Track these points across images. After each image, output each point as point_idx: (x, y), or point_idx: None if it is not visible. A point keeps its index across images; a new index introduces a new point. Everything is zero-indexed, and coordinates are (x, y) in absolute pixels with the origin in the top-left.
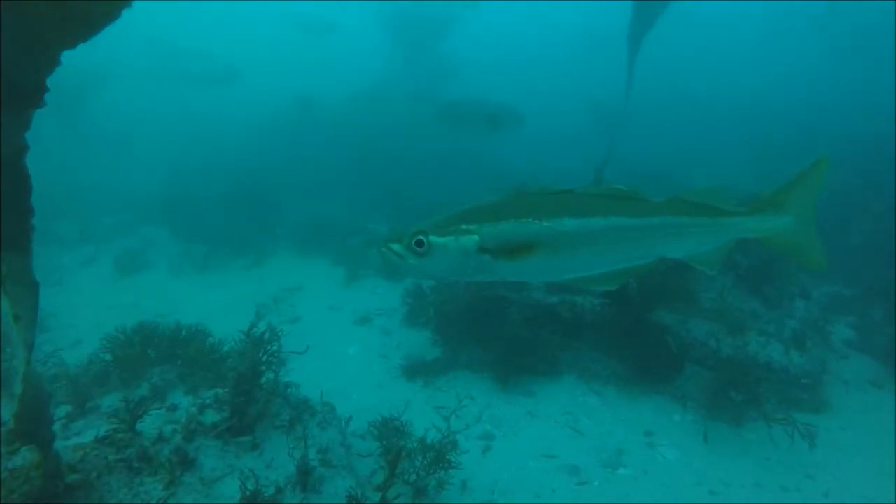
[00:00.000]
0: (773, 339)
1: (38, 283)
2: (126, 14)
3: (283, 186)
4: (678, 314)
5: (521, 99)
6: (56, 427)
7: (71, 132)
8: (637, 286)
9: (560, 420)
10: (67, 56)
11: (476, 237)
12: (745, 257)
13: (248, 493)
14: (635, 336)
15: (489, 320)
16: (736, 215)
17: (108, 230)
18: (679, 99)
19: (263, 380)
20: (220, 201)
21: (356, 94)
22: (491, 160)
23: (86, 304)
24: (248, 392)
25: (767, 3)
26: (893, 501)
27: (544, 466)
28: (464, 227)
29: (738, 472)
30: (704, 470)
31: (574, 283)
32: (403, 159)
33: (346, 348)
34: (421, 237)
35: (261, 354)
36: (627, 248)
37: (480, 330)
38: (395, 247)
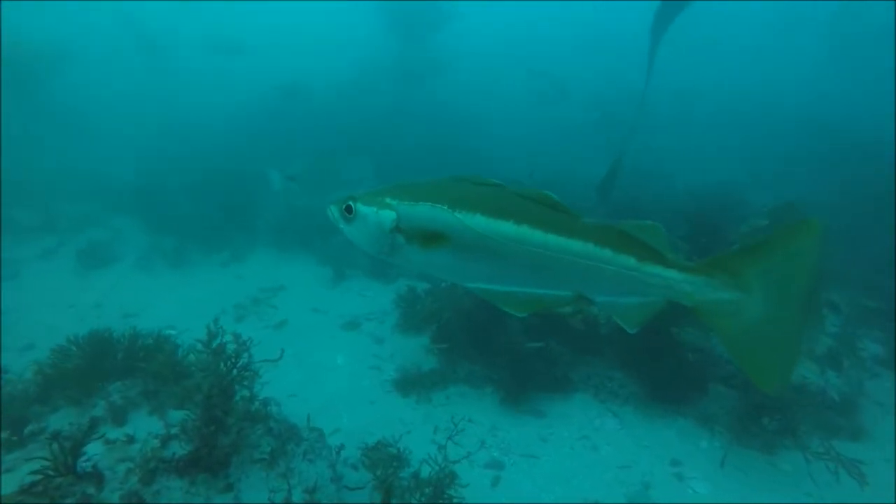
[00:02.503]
0: (806, 357)
1: None
2: None
3: (263, 177)
4: (700, 328)
5: (520, 94)
6: None
7: (33, 111)
8: None
9: (576, 446)
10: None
11: (393, 214)
12: None
13: None
14: (653, 352)
15: (492, 330)
16: (671, 268)
17: (73, 220)
18: (682, 98)
19: (238, 398)
20: (195, 191)
21: (344, 82)
22: (486, 157)
23: (43, 301)
24: (219, 418)
25: (774, 4)
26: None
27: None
28: (387, 200)
29: None
30: None
31: (484, 294)
32: (392, 152)
33: (334, 357)
34: (350, 203)
35: (228, 368)
36: (536, 268)
37: (482, 340)
38: (333, 209)
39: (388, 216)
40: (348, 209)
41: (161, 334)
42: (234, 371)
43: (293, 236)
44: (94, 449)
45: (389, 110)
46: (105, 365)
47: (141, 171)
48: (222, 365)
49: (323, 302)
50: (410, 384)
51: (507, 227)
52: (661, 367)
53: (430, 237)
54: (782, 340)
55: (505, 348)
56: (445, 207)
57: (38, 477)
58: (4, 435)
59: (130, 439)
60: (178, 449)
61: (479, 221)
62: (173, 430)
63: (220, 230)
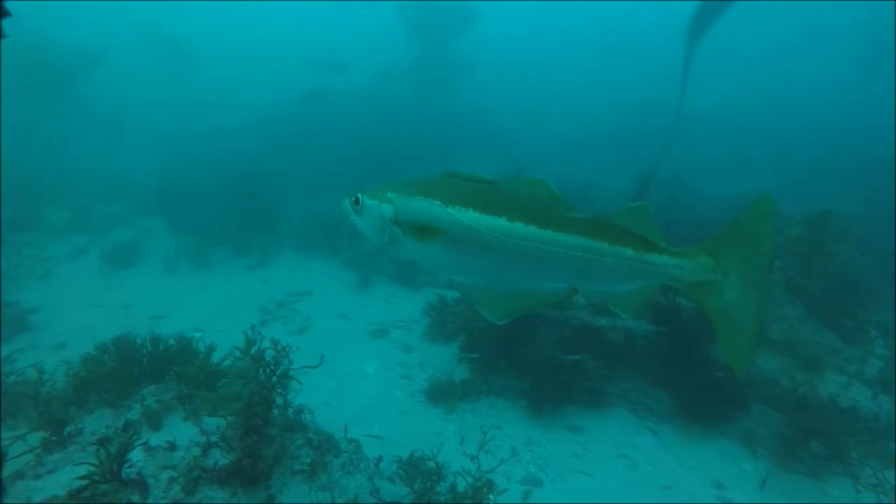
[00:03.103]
0: (856, 380)
1: None
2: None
3: (289, 180)
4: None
5: (540, 100)
6: (28, 458)
7: (65, 114)
8: (689, 309)
9: (616, 465)
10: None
11: (392, 207)
12: (812, 282)
13: None
14: (691, 368)
15: (525, 341)
16: (664, 254)
17: (102, 220)
18: (708, 106)
19: (275, 410)
20: (220, 194)
21: (367, 86)
22: (504, 160)
23: (74, 301)
24: (259, 427)
25: (802, 7)
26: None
27: None
28: (388, 194)
29: None
30: None
31: (468, 292)
32: (416, 158)
33: (364, 365)
34: (358, 196)
35: (267, 376)
36: (530, 262)
37: (515, 352)
38: (346, 202)
39: (387, 209)
40: (356, 201)
41: (184, 337)
42: (274, 378)
43: (318, 241)
44: (135, 455)
45: (411, 116)
46: (136, 369)
47: (167, 173)
48: (262, 372)
49: (350, 308)
50: (442, 395)
51: (499, 223)
52: (699, 384)
53: (425, 230)
54: (749, 319)
55: (538, 360)
56: (439, 202)
57: (85, 482)
58: (44, 435)
59: (172, 446)
60: (219, 458)
61: (471, 216)
62: (213, 438)
63: (246, 233)
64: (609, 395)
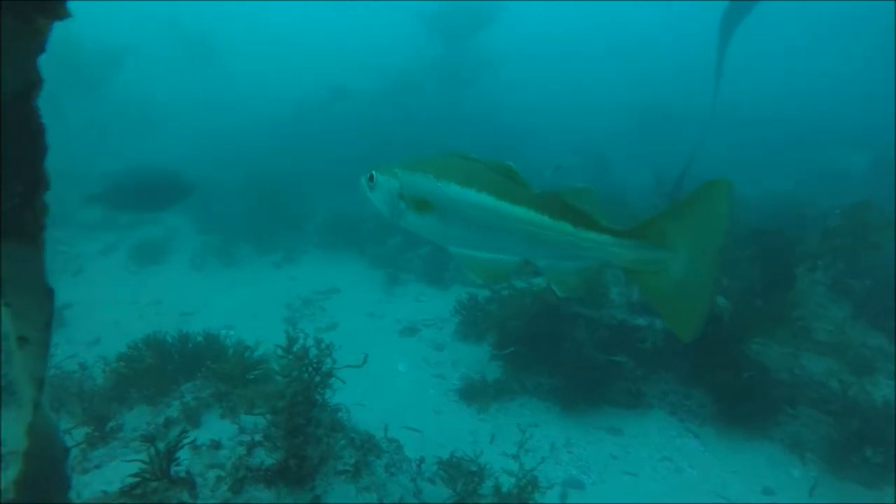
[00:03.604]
0: None
1: (51, 289)
2: None
3: (312, 177)
4: (787, 346)
5: (557, 97)
6: (75, 453)
7: (92, 113)
8: (729, 309)
9: (658, 468)
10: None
11: (398, 182)
12: (859, 280)
13: None
14: (731, 369)
15: (559, 340)
16: (604, 232)
17: (131, 217)
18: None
19: (318, 410)
20: (246, 191)
21: (389, 84)
22: (522, 160)
23: (105, 297)
24: (303, 426)
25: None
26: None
27: None
28: (396, 171)
29: None
30: None
31: (460, 258)
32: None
33: (395, 364)
34: (373, 172)
35: (312, 376)
36: (491, 233)
37: (549, 351)
38: (362, 179)
39: (394, 184)
40: (371, 178)
41: (211, 334)
42: (317, 377)
43: (344, 238)
44: (182, 454)
45: (433, 114)
46: (169, 365)
47: (193, 170)
48: (305, 371)
49: (378, 306)
50: (476, 394)
51: (471, 195)
52: (741, 386)
53: (422, 203)
54: (700, 293)
55: (574, 359)
56: (432, 177)
57: (136, 480)
58: (88, 430)
59: (216, 445)
60: (264, 457)
61: (453, 189)
62: (257, 437)
63: (271, 231)
64: (647, 395)
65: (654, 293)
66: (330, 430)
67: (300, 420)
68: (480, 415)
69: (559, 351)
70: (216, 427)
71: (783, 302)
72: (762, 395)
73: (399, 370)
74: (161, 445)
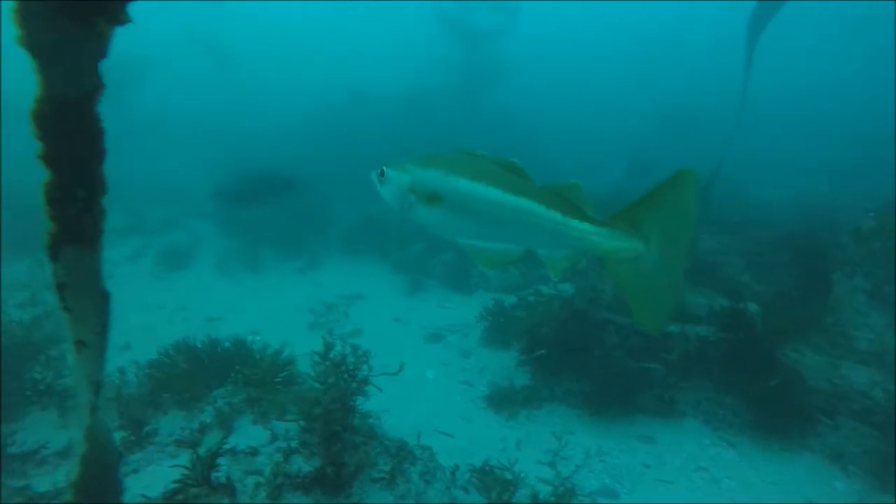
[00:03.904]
0: None
1: (108, 293)
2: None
3: (334, 182)
4: (826, 355)
5: (576, 102)
6: None
7: (117, 120)
8: (762, 315)
9: (694, 478)
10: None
11: (409, 176)
12: None
13: None
14: (767, 378)
15: (590, 346)
16: (586, 221)
17: (157, 223)
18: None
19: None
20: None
21: (410, 88)
22: (544, 167)
23: (134, 302)
24: (338, 433)
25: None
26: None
27: None
28: (407, 166)
29: None
30: None
31: (467, 249)
32: None
33: (422, 370)
34: (384, 168)
35: (348, 383)
36: (498, 224)
37: (579, 358)
38: (373, 174)
39: (405, 178)
40: (381, 173)
41: (240, 339)
42: (353, 385)
43: (367, 244)
44: (220, 459)
45: (454, 118)
46: (202, 371)
47: (216, 175)
48: (342, 378)
49: (402, 312)
50: (504, 401)
51: (479, 189)
52: (777, 395)
53: (433, 197)
54: (669, 284)
55: (604, 366)
56: (443, 172)
57: (178, 485)
58: (124, 435)
59: (254, 451)
60: (301, 464)
61: (463, 184)
62: (293, 444)
63: (295, 236)
64: (679, 403)
65: (626, 282)
66: (367, 438)
67: (336, 427)
68: (509, 422)
69: (589, 357)
70: (249, 432)
71: (819, 308)
72: (799, 404)
73: (427, 377)
74: (201, 451)
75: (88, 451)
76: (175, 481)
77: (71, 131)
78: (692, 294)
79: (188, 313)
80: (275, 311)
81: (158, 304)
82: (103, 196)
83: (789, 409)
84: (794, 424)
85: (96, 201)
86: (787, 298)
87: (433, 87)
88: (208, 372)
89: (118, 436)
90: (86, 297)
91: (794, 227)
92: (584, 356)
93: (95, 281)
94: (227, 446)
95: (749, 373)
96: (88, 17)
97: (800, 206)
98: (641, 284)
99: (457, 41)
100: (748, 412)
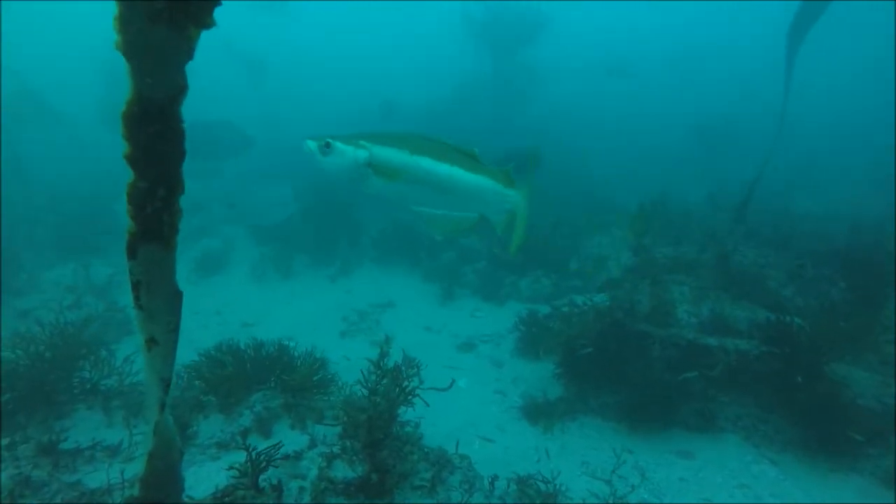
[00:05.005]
0: None
1: (181, 292)
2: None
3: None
4: (876, 373)
5: (607, 109)
6: None
7: None
8: (808, 330)
9: (736, 495)
10: None
11: (366, 153)
12: None
13: None
14: (812, 394)
15: (628, 359)
16: (510, 188)
17: (192, 229)
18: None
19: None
20: (304, 203)
21: (440, 96)
22: (581, 180)
23: None
24: (381, 440)
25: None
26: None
27: None
28: (362, 142)
29: None
30: None
31: (422, 217)
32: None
33: (456, 379)
34: (329, 141)
35: (398, 393)
36: (458, 196)
37: (616, 370)
38: (311, 143)
39: (362, 154)
40: (327, 145)
41: (283, 344)
42: (401, 395)
43: (397, 252)
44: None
45: (484, 126)
46: (245, 373)
47: (248, 184)
48: (393, 387)
49: (434, 321)
50: (539, 412)
51: (444, 168)
52: (823, 412)
53: (393, 172)
54: (524, 223)
55: (643, 379)
56: (407, 152)
57: (228, 487)
58: None
59: (298, 455)
60: (343, 469)
61: (424, 162)
62: (335, 449)
63: (326, 243)
64: (719, 418)
65: (516, 220)
66: (412, 446)
67: (379, 434)
68: (546, 433)
69: (626, 369)
70: (287, 437)
71: (868, 324)
72: (847, 423)
73: (460, 386)
74: (255, 456)
75: (156, 447)
76: (226, 487)
77: (156, 132)
78: (731, 307)
79: (223, 318)
80: (307, 317)
81: (193, 308)
82: (181, 195)
83: (838, 428)
84: (842, 444)
85: (174, 200)
86: (833, 313)
87: (464, 97)
88: (250, 375)
89: None
90: (159, 295)
91: (839, 239)
92: (620, 368)
93: (169, 279)
94: (279, 455)
95: (795, 389)
96: (180, 22)
97: (844, 216)
98: (518, 223)
99: (486, 48)
100: (792, 429)
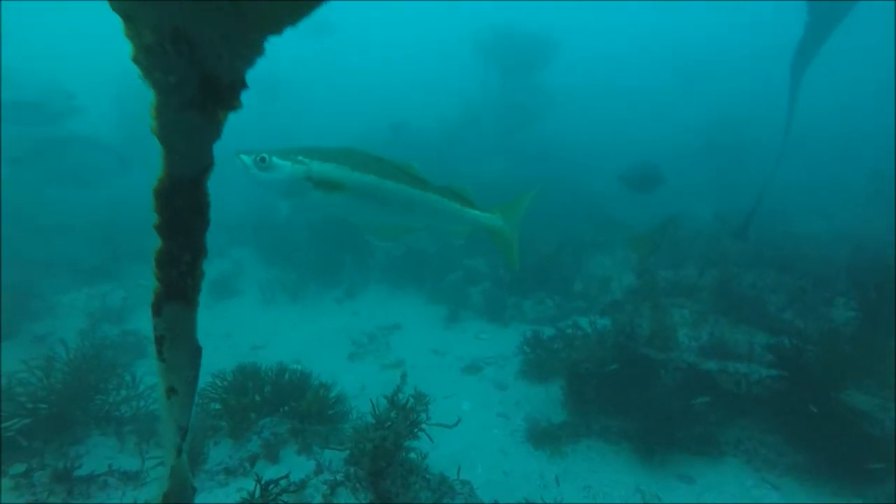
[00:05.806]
0: None
1: (200, 347)
2: None
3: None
4: (880, 398)
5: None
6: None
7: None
8: (819, 356)
9: None
10: None
11: (306, 168)
12: None
13: None
14: (819, 419)
15: (631, 383)
16: (474, 210)
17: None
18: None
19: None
20: (310, 226)
21: (448, 118)
22: (588, 199)
23: None
24: (384, 469)
25: None
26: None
27: None
28: (300, 158)
29: None
30: None
31: (363, 228)
32: (503, 188)
33: (459, 402)
34: (265, 156)
35: (409, 427)
36: (405, 209)
37: (619, 394)
38: (245, 158)
39: (301, 168)
40: (262, 160)
41: (305, 373)
42: (410, 427)
43: (404, 274)
44: (272, 489)
45: (494, 149)
46: (257, 399)
47: (258, 206)
48: (402, 420)
49: (440, 343)
50: (542, 436)
51: (389, 184)
52: (829, 437)
53: (333, 186)
54: (515, 245)
55: (645, 403)
56: (348, 168)
57: None
58: None
59: (303, 483)
60: (346, 496)
61: (369, 179)
62: (339, 477)
63: (334, 265)
64: (720, 442)
65: (499, 242)
66: (415, 475)
67: (382, 463)
68: (550, 458)
69: (629, 394)
70: (294, 463)
71: (871, 348)
72: (850, 447)
73: (464, 409)
74: (264, 486)
75: (171, 488)
76: None
77: (183, 205)
78: (731, 331)
79: (232, 341)
80: (315, 340)
81: (204, 331)
82: (204, 259)
83: (843, 453)
84: (846, 469)
85: (198, 264)
86: (834, 337)
87: (473, 119)
88: (270, 401)
89: None
90: (181, 349)
91: (842, 261)
92: (623, 392)
93: (191, 335)
94: (284, 483)
95: (800, 413)
96: (210, 108)
97: (848, 237)
98: (505, 243)
99: (496, 70)
100: (794, 454)
